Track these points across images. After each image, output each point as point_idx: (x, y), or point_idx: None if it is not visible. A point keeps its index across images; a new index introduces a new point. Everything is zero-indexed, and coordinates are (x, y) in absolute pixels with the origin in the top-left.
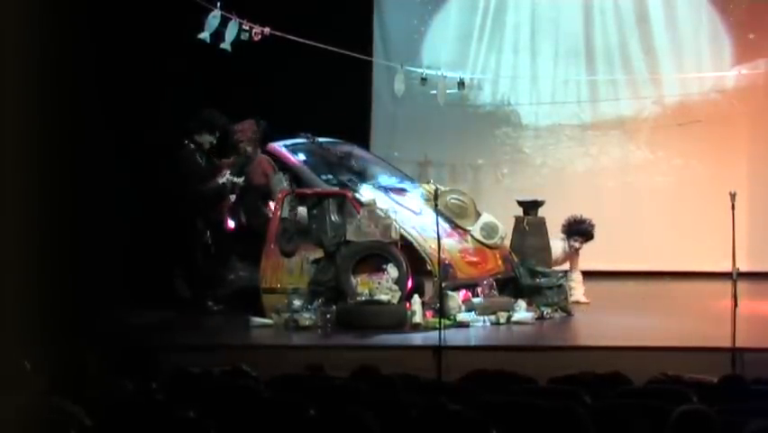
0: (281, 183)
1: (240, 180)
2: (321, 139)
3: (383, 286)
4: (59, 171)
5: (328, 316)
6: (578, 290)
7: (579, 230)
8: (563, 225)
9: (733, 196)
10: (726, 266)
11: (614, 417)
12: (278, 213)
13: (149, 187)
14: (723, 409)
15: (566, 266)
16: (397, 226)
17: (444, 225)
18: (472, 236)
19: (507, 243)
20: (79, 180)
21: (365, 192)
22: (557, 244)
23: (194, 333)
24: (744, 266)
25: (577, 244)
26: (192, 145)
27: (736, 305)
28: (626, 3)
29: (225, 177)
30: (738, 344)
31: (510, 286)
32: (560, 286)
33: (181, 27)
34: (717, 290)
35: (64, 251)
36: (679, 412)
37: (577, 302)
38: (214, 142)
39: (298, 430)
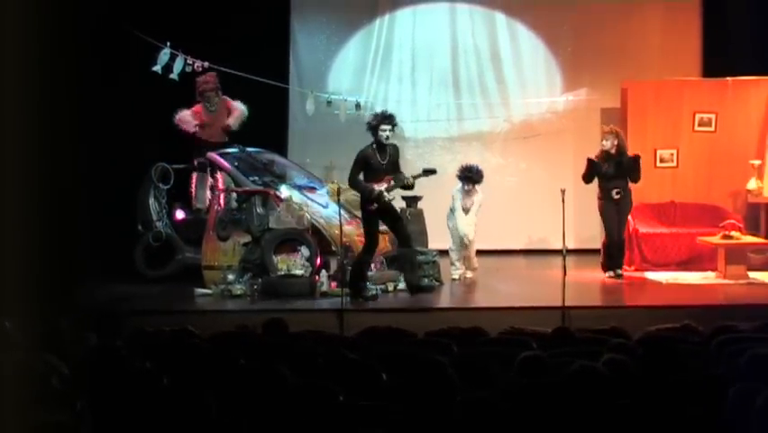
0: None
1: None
2: (249, 149)
3: (298, 263)
4: (38, 168)
5: (255, 287)
6: (470, 264)
7: (466, 176)
8: (457, 172)
9: (563, 192)
10: (557, 245)
11: (474, 361)
12: (215, 207)
13: (112, 180)
14: (554, 354)
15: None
16: (309, 217)
17: (345, 215)
18: None
19: None
20: (55, 172)
21: (284, 190)
22: (457, 192)
23: (149, 300)
24: (571, 245)
25: (467, 187)
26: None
27: (565, 274)
28: (483, 45)
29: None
30: (567, 303)
31: (396, 262)
32: (434, 262)
33: (139, 61)
34: (551, 262)
35: (43, 233)
36: (522, 357)
37: (461, 277)
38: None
39: (231, 376)
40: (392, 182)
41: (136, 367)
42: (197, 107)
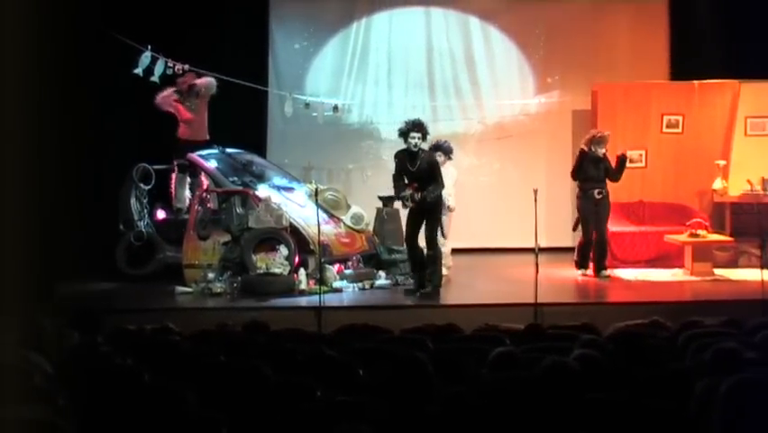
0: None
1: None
2: (229, 150)
3: (277, 261)
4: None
5: (235, 285)
6: (445, 262)
7: (435, 148)
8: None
9: (535, 192)
10: (530, 243)
11: (449, 357)
12: (196, 207)
13: (94, 180)
14: (527, 349)
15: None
16: (287, 216)
17: (323, 215)
18: (344, 223)
19: (371, 228)
20: (37, 172)
21: (262, 190)
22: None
23: (130, 299)
24: (543, 243)
25: (441, 159)
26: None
27: (537, 271)
28: (457, 48)
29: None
30: (539, 300)
31: (373, 260)
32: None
33: (120, 64)
34: (524, 260)
35: (25, 232)
36: (495, 352)
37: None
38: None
39: (211, 373)
40: (411, 192)
41: (118, 364)
42: (179, 107)
